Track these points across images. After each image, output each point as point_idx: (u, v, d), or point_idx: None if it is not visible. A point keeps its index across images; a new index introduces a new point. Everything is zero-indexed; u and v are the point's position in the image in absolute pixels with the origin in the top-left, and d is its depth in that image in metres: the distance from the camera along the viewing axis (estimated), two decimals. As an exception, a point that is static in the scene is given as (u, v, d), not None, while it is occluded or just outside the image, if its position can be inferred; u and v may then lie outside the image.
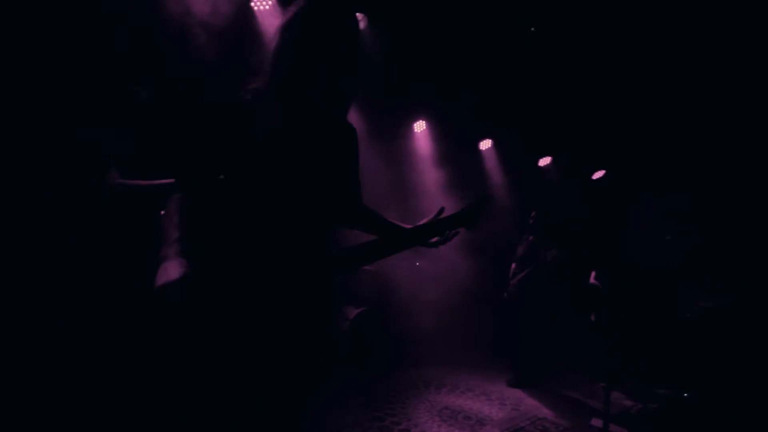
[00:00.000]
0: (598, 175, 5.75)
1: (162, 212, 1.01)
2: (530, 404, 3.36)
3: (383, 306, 4.09)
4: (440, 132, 5.08)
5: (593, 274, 4.45)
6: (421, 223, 1.24)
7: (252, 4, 3.23)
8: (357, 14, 1.10)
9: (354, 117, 4.25)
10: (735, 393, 3.13)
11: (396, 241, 1.15)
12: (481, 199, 1.27)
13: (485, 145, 5.45)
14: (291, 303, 1.03)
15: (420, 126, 5.05)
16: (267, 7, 3.24)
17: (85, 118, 2.04)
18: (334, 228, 1.15)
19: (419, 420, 2.81)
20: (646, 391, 3.80)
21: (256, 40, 3.24)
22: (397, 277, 4.39)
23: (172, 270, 0.88)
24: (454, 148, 5.16)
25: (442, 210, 1.27)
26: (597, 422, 2.98)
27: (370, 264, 1.16)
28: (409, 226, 1.25)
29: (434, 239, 1.25)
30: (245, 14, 3.22)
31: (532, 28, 3.48)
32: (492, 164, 5.53)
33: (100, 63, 2.30)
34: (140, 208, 1.89)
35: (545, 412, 3.22)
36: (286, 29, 1.03)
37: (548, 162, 5.75)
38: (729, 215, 4.92)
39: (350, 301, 3.83)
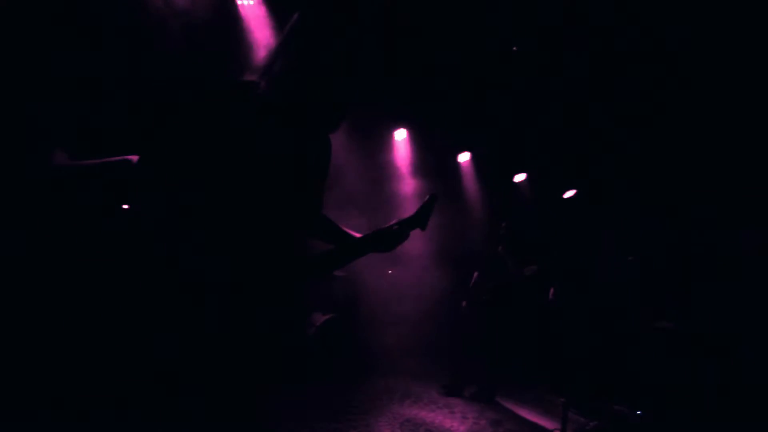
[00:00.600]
0: (569, 194, 5.94)
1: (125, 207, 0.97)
2: (491, 418, 3.39)
3: (353, 313, 4.05)
4: (420, 142, 5.12)
5: (552, 290, 4.60)
6: (374, 231, 1.27)
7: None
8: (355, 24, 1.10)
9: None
10: (687, 413, 3.27)
11: (351, 249, 1.20)
12: (428, 200, 1.34)
13: (464, 157, 5.52)
14: (252, 304, 1.02)
15: (401, 134, 5.07)
16: (251, 2, 3.17)
17: (38, 91, 1.89)
18: (295, 235, 1.16)
19: (380, 432, 2.77)
20: (602, 407, 3.92)
21: (239, 34, 3.16)
22: (369, 284, 4.36)
23: None
24: (433, 159, 5.21)
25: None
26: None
27: (330, 271, 1.20)
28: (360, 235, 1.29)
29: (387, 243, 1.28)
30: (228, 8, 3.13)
31: (515, 48, 3.55)
32: (469, 177, 5.61)
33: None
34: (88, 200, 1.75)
35: (506, 426, 3.26)
36: (290, 32, 1.05)
37: (523, 178, 5.88)
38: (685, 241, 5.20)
39: (320, 307, 3.76)
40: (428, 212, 1.35)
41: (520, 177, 5.88)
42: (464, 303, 4.09)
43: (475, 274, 4.13)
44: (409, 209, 1.36)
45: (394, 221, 1.28)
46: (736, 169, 4.36)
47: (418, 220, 1.34)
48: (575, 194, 5.89)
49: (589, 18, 3.41)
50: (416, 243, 4.16)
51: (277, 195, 1.06)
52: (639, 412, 3.48)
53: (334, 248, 1.19)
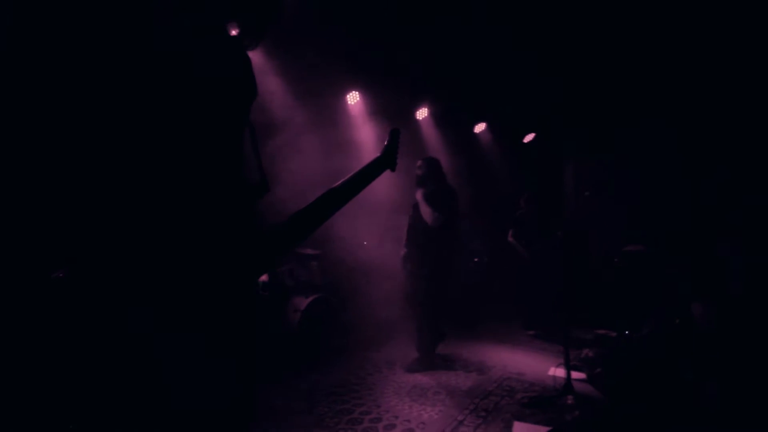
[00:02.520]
0: (529, 138, 5.95)
1: None
2: (494, 365, 3.39)
3: (335, 291, 3.84)
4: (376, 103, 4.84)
5: (510, 232, 4.71)
6: (339, 182, 1.09)
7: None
8: None
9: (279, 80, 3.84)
10: (670, 330, 3.42)
11: (321, 205, 1.02)
12: (391, 134, 1.23)
13: (422, 114, 5.32)
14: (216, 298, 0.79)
15: (354, 97, 4.75)
16: None
17: None
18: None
19: (389, 404, 2.65)
20: (587, 336, 4.07)
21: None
22: (346, 260, 4.15)
23: None
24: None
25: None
26: (554, 371, 3.08)
27: (302, 241, 1.00)
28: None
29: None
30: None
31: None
32: (430, 131, 5.45)
33: None
34: None
35: (509, 371, 3.27)
36: None
37: (483, 128, 5.81)
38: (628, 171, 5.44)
39: (300, 292, 3.52)
40: (395, 149, 1.23)
41: (480, 127, 5.80)
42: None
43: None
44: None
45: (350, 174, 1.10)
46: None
47: (387, 159, 1.20)
48: (534, 137, 5.91)
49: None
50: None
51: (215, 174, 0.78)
52: (627, 332, 3.62)
53: (293, 215, 0.97)
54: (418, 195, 3.25)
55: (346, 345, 3.67)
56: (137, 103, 0.69)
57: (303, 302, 3.33)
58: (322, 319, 3.43)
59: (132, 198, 0.70)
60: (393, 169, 1.24)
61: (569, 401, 2.57)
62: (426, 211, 3.16)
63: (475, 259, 5.26)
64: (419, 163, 3.33)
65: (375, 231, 4.53)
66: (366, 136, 4.86)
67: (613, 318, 4.09)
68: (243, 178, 0.93)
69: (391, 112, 4.86)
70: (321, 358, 3.36)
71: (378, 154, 1.20)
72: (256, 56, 3.54)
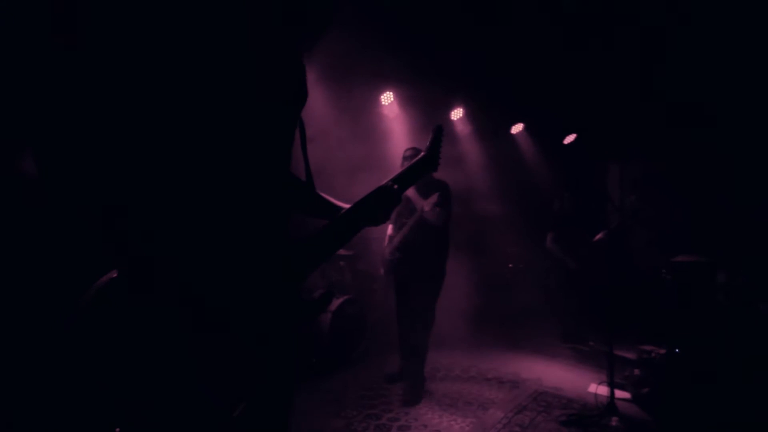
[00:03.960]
0: (570, 139, 5.68)
1: None
2: (529, 378, 3.24)
3: (365, 292, 3.81)
4: (411, 105, 4.78)
5: (550, 236, 4.38)
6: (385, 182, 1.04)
7: None
8: None
9: (319, 90, 3.85)
10: (723, 345, 3.13)
11: (346, 224, 0.98)
12: (434, 133, 1.17)
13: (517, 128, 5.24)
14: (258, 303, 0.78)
15: (387, 98, 4.70)
16: None
17: None
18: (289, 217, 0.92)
19: (418, 412, 2.58)
20: (637, 350, 3.81)
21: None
22: (378, 261, 4.11)
23: None
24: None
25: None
26: (595, 389, 2.90)
27: (329, 256, 0.96)
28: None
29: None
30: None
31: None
32: (466, 134, 5.31)
33: None
34: None
35: (545, 385, 3.11)
36: None
37: (520, 129, 5.60)
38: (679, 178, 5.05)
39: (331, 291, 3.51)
40: (438, 148, 1.16)
41: (517, 127, 5.60)
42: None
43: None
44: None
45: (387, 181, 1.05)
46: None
47: (430, 159, 1.14)
48: (575, 139, 5.63)
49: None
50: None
51: (269, 176, 0.79)
52: (677, 350, 3.35)
53: (326, 226, 0.95)
54: (410, 190, 2.54)
55: (377, 347, 3.63)
56: (219, 99, 0.68)
57: (334, 303, 3.32)
58: (352, 319, 3.41)
59: (196, 191, 0.69)
60: (435, 170, 1.18)
61: (614, 422, 2.39)
62: (424, 207, 2.58)
63: (509, 265, 5.07)
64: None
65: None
66: (399, 133, 4.82)
67: (661, 333, 3.81)
68: (293, 175, 0.98)
69: (426, 112, 4.78)
70: (351, 359, 3.34)
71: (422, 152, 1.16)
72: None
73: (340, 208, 1.04)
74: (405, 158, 2.76)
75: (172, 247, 0.67)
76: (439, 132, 1.17)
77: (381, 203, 0.99)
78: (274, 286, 0.81)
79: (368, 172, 3.63)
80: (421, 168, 1.11)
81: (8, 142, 1.40)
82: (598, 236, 4.36)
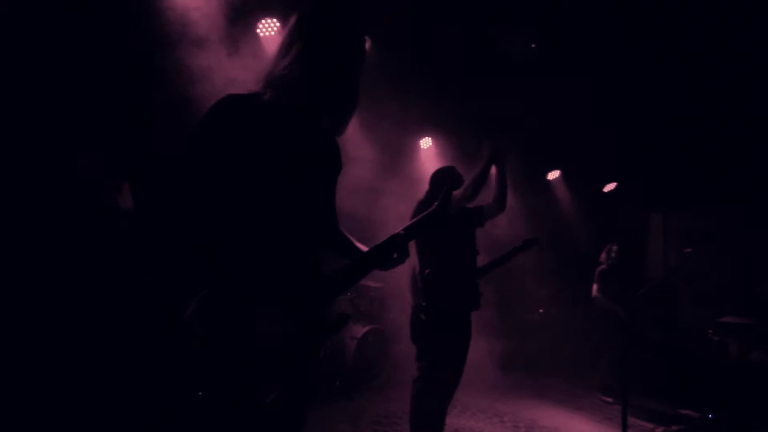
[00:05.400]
0: (610, 187, 5.65)
1: None
2: (545, 426, 3.23)
3: (388, 322, 4.03)
4: (447, 150, 5.11)
5: (595, 287, 4.30)
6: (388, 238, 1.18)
7: (258, 30, 3.35)
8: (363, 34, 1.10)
9: (358, 135, 4.32)
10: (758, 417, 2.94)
11: (362, 265, 1.16)
12: (445, 191, 1.22)
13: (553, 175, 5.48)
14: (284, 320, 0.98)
15: (426, 143, 5.09)
16: (273, 33, 3.36)
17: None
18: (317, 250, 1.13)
19: (428, 443, 2.71)
20: (668, 412, 3.62)
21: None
22: (402, 292, 4.33)
23: None
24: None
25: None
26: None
27: (344, 291, 1.15)
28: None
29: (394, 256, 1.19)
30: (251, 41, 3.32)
31: (533, 44, 3.51)
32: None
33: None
34: None
35: (561, 434, 3.09)
36: (288, 33, 1.04)
37: (557, 175, 5.69)
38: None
39: (358, 320, 3.79)
40: (447, 205, 1.22)
41: (554, 174, 5.70)
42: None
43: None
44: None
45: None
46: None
47: (439, 217, 1.20)
48: (615, 187, 5.60)
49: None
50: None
51: (308, 200, 1.05)
52: (710, 416, 3.18)
53: (347, 265, 1.14)
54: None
55: (396, 377, 3.80)
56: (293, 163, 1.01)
57: (360, 330, 3.59)
58: (375, 348, 3.64)
59: (262, 232, 0.98)
60: (445, 228, 1.30)
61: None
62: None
63: (540, 310, 5.04)
64: (436, 176, 2.58)
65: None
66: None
67: (700, 398, 3.60)
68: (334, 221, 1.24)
69: (462, 157, 5.08)
70: (371, 386, 3.53)
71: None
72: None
73: (357, 249, 1.24)
74: (431, 184, 2.59)
75: (242, 268, 0.97)
76: (448, 191, 1.23)
77: (390, 251, 1.16)
78: (299, 310, 1.01)
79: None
80: (430, 223, 1.21)
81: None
82: (642, 290, 4.24)
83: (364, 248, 1.23)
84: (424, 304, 2.26)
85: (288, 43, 1.03)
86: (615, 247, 4.39)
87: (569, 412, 3.63)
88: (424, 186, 4.88)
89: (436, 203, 1.20)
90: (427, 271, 2.28)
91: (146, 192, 2.01)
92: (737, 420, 2.92)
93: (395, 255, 1.19)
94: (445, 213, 1.20)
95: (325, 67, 1.01)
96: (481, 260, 2.57)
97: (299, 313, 1.00)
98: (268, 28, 3.35)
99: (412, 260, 2.43)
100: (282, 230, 1.01)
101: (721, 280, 4.90)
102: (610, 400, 3.97)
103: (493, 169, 2.33)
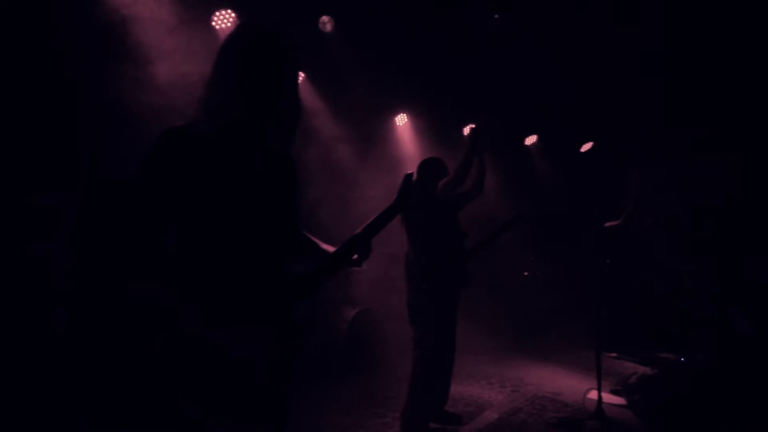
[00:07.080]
0: (586, 147, 5.72)
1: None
2: (531, 383, 3.45)
3: (380, 304, 4.16)
4: (423, 124, 5.09)
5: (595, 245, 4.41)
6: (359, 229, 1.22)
7: (213, 23, 3.25)
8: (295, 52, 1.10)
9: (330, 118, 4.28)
10: (732, 359, 3.16)
11: (328, 269, 1.20)
12: (404, 180, 1.23)
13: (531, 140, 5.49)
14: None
15: (402, 119, 5.06)
16: (229, 24, 3.25)
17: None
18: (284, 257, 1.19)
19: (420, 412, 2.90)
20: (649, 356, 3.87)
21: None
22: (393, 274, 4.45)
23: None
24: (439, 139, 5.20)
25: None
26: (593, 395, 3.05)
27: (312, 294, 1.17)
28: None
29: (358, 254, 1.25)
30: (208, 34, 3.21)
31: (496, 15, 3.45)
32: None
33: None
34: None
35: (545, 390, 3.31)
36: (217, 59, 1.06)
37: (534, 140, 5.73)
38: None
39: (347, 303, 3.92)
40: (406, 194, 1.22)
41: (531, 139, 5.74)
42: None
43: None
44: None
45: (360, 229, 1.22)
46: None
47: (396, 206, 1.22)
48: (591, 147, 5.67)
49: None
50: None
51: (266, 218, 1.10)
52: (683, 359, 3.42)
53: (310, 272, 1.17)
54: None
55: (388, 355, 3.97)
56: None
57: (350, 313, 3.72)
58: (366, 329, 3.79)
59: (220, 237, 1.01)
60: (403, 210, 1.25)
61: (595, 426, 2.58)
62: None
63: (525, 273, 5.21)
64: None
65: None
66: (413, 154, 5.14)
67: (674, 340, 3.86)
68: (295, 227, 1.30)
69: (437, 131, 5.07)
70: (363, 365, 3.70)
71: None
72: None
73: (323, 251, 1.30)
74: (418, 173, 2.68)
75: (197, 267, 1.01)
76: (407, 180, 1.24)
77: (350, 252, 1.21)
78: (268, 322, 1.05)
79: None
80: (389, 216, 1.23)
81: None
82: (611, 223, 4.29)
83: (331, 249, 1.28)
84: (424, 287, 2.49)
85: (218, 69, 1.06)
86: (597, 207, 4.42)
87: (552, 368, 3.87)
88: (404, 163, 4.88)
89: (394, 199, 1.23)
90: (423, 257, 2.51)
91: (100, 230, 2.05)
92: (708, 363, 3.14)
93: (355, 256, 1.25)
94: (400, 208, 1.23)
95: (256, 88, 1.03)
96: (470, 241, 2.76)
97: (269, 325, 1.05)
98: (224, 20, 3.25)
99: (404, 249, 2.66)
100: (242, 248, 1.05)
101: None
102: (614, 355, 4.14)
103: None
